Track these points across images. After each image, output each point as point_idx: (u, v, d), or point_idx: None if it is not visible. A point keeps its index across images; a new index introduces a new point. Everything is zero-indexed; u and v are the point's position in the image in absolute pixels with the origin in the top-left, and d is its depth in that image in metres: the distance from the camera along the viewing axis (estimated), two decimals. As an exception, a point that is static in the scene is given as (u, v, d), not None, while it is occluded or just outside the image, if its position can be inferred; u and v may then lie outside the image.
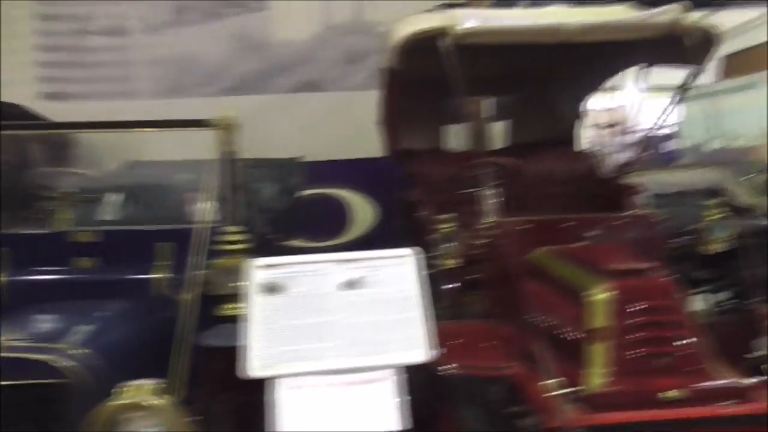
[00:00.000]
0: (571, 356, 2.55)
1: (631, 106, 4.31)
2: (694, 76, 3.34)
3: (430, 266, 3.59)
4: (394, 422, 1.86)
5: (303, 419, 1.83)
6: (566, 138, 4.76)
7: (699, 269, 4.49)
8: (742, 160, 12.23)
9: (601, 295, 2.48)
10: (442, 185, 4.31)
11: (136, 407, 1.96)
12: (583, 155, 4.54)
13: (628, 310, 2.42)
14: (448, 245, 3.03)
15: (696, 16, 3.15)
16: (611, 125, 4.22)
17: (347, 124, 5.77)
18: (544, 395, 2.28)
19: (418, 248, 3.76)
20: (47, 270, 2.86)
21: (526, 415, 2.43)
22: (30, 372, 2.08)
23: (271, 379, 1.86)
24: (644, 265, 2.61)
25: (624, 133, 4.48)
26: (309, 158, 5.27)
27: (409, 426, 1.85)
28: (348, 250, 3.36)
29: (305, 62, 5.65)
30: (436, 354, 2.27)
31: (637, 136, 4.83)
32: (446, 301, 3.43)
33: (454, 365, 2.32)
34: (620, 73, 4.20)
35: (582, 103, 4.76)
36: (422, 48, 2.97)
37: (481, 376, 2.53)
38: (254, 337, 1.89)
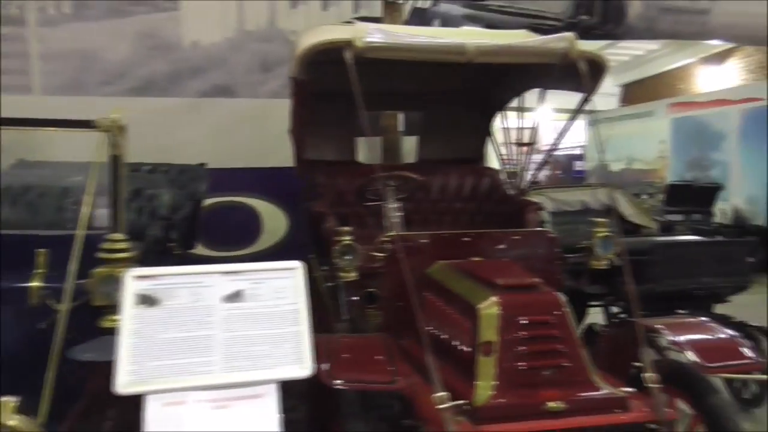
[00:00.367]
0: (462, 369, 2.59)
1: (544, 127, 4.47)
2: (585, 101, 3.50)
3: (331, 279, 3.58)
4: (273, 435, 1.82)
5: (175, 437, 1.76)
6: (473, 155, 4.87)
7: (593, 284, 4.72)
8: (641, 181, 13.07)
9: (488, 309, 2.53)
10: (346, 197, 4.31)
11: (-5, 426, 1.83)
12: (489, 172, 4.66)
13: (514, 324, 2.49)
14: (347, 258, 3.02)
15: (585, 45, 3.31)
16: (523, 144, 4.34)
17: (259, 131, 5.68)
18: (432, 408, 2.29)
19: (314, 259, 3.77)
20: None
21: (416, 429, 2.45)
22: None
23: (142, 395, 1.78)
24: (531, 281, 2.69)
25: (535, 152, 4.62)
26: (218, 165, 5.15)
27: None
28: (257, 260, 3.30)
29: (217, 66, 5.53)
30: (316, 369, 2.26)
31: (546, 156, 5.00)
32: (346, 314, 3.42)
33: (346, 379, 2.30)
34: (523, 95, 4.34)
35: (489, 122, 4.89)
36: (328, 60, 2.96)
37: (373, 390, 2.53)
38: (125, 352, 1.80)
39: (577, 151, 19.43)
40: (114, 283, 2.19)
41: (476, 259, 3.23)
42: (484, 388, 2.42)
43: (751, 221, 11.16)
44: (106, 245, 2.30)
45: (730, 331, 2.77)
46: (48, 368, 2.13)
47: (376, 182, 3.94)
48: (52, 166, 3.74)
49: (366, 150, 5.06)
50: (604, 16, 6.39)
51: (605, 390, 2.47)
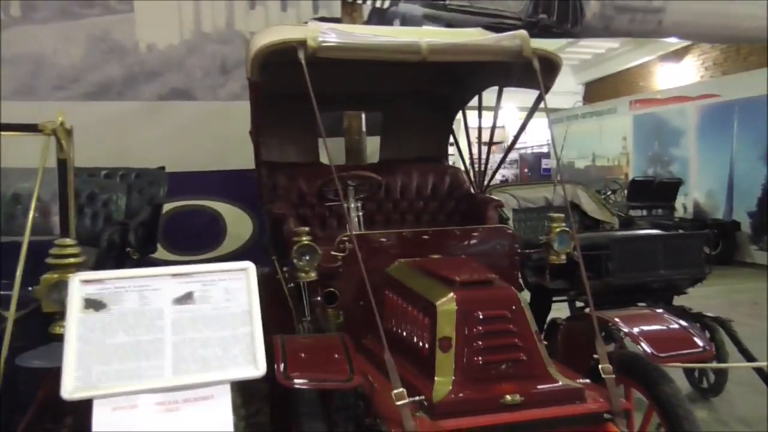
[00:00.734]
0: (422, 366, 2.60)
1: (509, 126, 4.53)
2: (539, 99, 3.55)
3: (292, 279, 3.56)
4: (226, 438, 1.81)
5: (124, 443, 1.73)
6: (436, 154, 4.89)
7: (556, 280, 4.79)
8: (605, 178, 13.30)
9: (446, 305, 2.55)
10: (308, 199, 4.31)
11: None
12: (450, 170, 4.69)
13: (471, 320, 2.51)
14: (305, 258, 3.01)
15: (544, 44, 3.35)
16: (488, 143, 4.39)
17: (220, 134, 5.64)
18: (391, 405, 2.30)
19: (276, 260, 3.74)
20: None
21: (376, 426, 2.46)
22: None
23: (90, 400, 1.75)
24: (488, 276, 2.72)
25: (499, 151, 4.68)
26: (180, 169, 5.09)
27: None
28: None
29: (174, 69, 5.46)
30: (275, 370, 2.25)
31: (506, 153, 5.06)
32: (308, 315, 3.41)
33: (303, 378, 2.30)
34: (482, 94, 4.38)
35: (450, 121, 4.93)
36: (286, 60, 2.95)
37: (329, 388, 2.52)
38: (71, 357, 1.76)
39: (545, 150, 19.73)
40: (63, 289, 2.14)
41: (435, 256, 3.26)
42: (443, 384, 2.44)
43: (711, 215, 11.45)
44: (55, 251, 2.25)
45: (683, 322, 2.83)
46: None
47: (335, 182, 3.94)
48: (2, 173, 3.65)
49: (329, 151, 5.05)
50: (562, 15, 6.48)
51: (562, 382, 2.51)
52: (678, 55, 13.20)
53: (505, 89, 4.10)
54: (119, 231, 3.39)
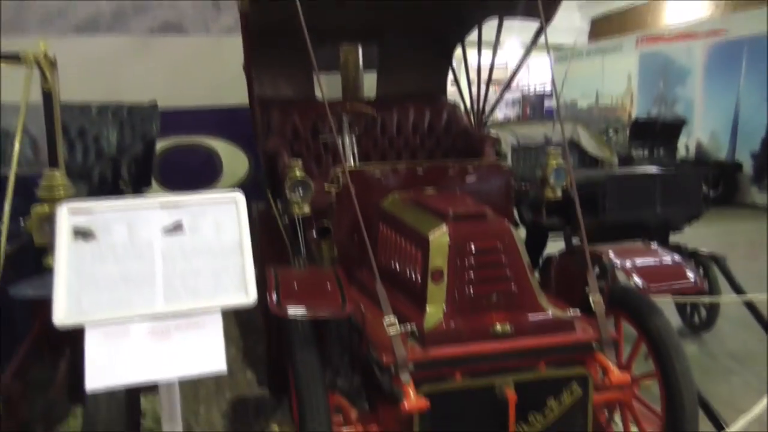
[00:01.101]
0: (414, 298, 2.63)
1: (512, 63, 4.44)
2: (540, 30, 3.46)
3: (287, 214, 3.57)
4: (218, 364, 1.84)
5: (117, 369, 1.76)
6: (434, 90, 4.82)
7: (552, 217, 4.80)
8: (608, 118, 13.15)
9: (438, 237, 2.56)
10: (302, 135, 4.27)
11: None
12: (448, 107, 4.62)
13: (463, 252, 2.52)
14: (298, 192, 2.99)
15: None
16: (488, 80, 4.31)
17: (214, 69, 5.54)
18: (382, 333, 2.34)
19: (271, 196, 3.74)
20: None
21: (367, 354, 2.50)
22: None
23: (82, 327, 1.77)
24: (481, 209, 2.72)
25: (503, 88, 4.59)
26: (174, 105, 5.03)
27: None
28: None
29: (165, 2, 5.31)
30: (268, 300, 2.28)
31: (504, 89, 4.97)
32: (301, 250, 3.43)
33: (298, 308, 2.33)
34: (481, 26, 4.28)
35: (449, 55, 4.83)
36: None
37: (322, 317, 2.56)
38: (62, 285, 1.77)
39: (548, 89, 19.46)
40: (54, 221, 2.14)
41: (429, 190, 3.25)
42: (434, 314, 2.47)
43: (713, 156, 11.37)
44: (45, 183, 2.24)
45: (675, 256, 2.84)
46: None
47: (329, 117, 3.89)
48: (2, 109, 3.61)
49: (321, 86, 4.97)
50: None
51: (552, 313, 2.54)
52: (687, -10, 12.84)
53: (509, 24, 4.00)
54: (111, 166, 3.36)
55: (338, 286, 2.46)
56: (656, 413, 2.68)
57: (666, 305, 2.77)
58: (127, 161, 3.50)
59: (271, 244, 3.70)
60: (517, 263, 2.58)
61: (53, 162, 2.30)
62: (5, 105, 3.78)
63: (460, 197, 3.09)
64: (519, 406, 2.32)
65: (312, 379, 2.29)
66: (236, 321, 4.71)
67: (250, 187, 5.72)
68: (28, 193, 2.35)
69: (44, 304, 2.02)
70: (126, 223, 1.90)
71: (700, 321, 4.87)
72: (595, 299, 2.57)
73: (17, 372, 2.46)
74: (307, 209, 3.03)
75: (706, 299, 4.47)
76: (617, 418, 3.03)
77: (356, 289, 2.90)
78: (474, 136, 4.35)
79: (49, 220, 2.26)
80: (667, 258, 2.84)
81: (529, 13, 3.40)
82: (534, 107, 19.82)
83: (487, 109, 4.52)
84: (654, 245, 3.00)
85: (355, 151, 3.79)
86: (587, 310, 2.69)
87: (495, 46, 4.18)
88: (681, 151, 11.25)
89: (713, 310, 4.74)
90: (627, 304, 2.79)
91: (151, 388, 2.67)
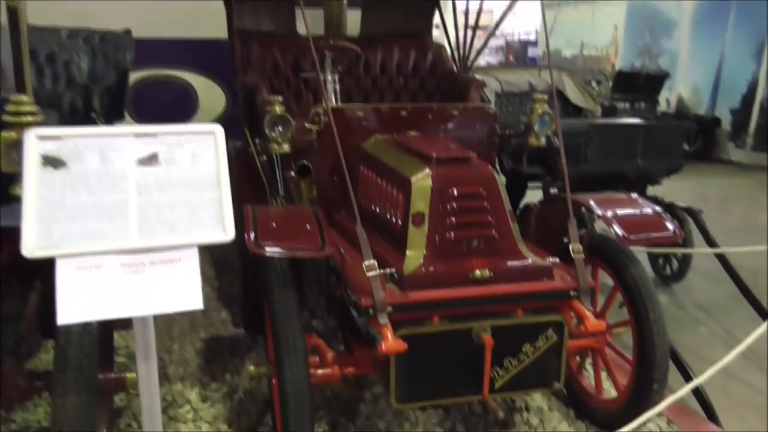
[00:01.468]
0: (394, 242, 2.60)
1: (499, 9, 4.30)
2: None
3: (265, 152, 3.48)
4: (194, 301, 1.80)
5: (90, 303, 1.71)
6: (418, 29, 4.68)
7: (532, 165, 4.78)
8: (591, 68, 13.03)
9: (421, 180, 2.51)
10: (282, 70, 4.13)
11: None
12: (433, 47, 4.50)
13: (445, 196, 2.48)
14: (278, 129, 2.91)
15: None
16: (475, 26, 4.18)
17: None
18: (361, 276, 2.31)
19: (249, 133, 3.64)
20: None
21: (345, 296, 2.48)
22: None
23: (53, 258, 1.70)
24: (464, 154, 2.67)
25: (489, 33, 4.47)
26: (147, 35, 4.82)
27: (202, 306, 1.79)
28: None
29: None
30: (245, 238, 2.22)
31: (490, 33, 4.85)
32: (279, 189, 3.37)
33: (277, 247, 2.28)
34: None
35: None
36: None
37: (301, 257, 2.52)
38: (31, 215, 1.70)
39: (532, 38, 19.20)
40: (21, 147, 2.04)
41: (412, 133, 3.18)
42: (414, 258, 2.44)
43: (693, 111, 11.40)
44: (11, 108, 2.12)
45: (656, 207, 2.84)
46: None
47: (312, 53, 3.76)
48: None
49: (306, 19, 4.80)
50: None
51: (531, 260, 2.53)
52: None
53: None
54: (82, 95, 3.21)
55: (318, 227, 2.41)
56: (628, 360, 2.73)
57: (638, 255, 2.78)
58: (99, 91, 3.35)
59: (248, 183, 3.62)
60: (499, 210, 2.56)
61: (20, 87, 2.17)
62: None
63: (444, 140, 3.03)
64: (495, 350, 2.33)
65: (289, 319, 2.27)
66: (211, 260, 4.67)
67: (227, 125, 5.49)
68: None
69: (12, 234, 1.94)
70: (98, 151, 1.82)
71: (672, 272, 4.96)
72: (575, 248, 2.57)
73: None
74: (286, 147, 2.95)
75: (681, 251, 4.53)
76: (588, 365, 3.10)
77: (335, 231, 2.86)
78: (459, 79, 4.26)
79: (17, 147, 2.15)
80: (647, 209, 2.84)
81: None
82: (518, 55, 19.60)
83: (473, 53, 4.41)
84: (634, 196, 2.99)
85: (338, 89, 3.68)
86: (565, 258, 2.71)
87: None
88: (662, 105, 11.24)
89: (685, 262, 4.82)
90: (604, 253, 2.80)
91: (125, 324, 2.63)
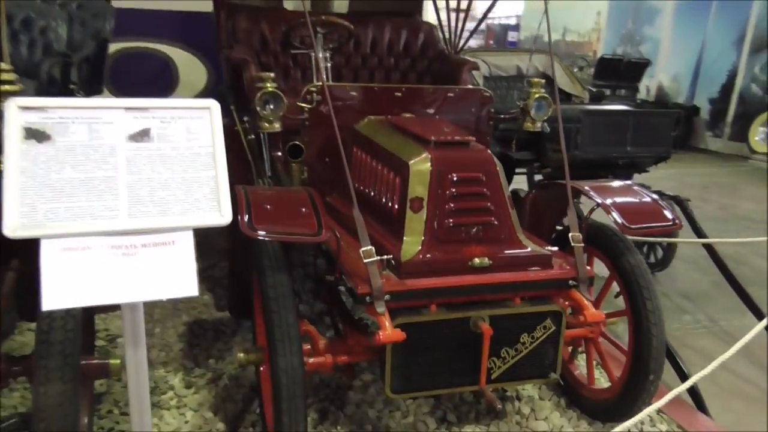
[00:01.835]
0: (390, 227, 2.52)
1: None
2: None
3: (253, 131, 3.36)
4: (189, 287, 1.70)
5: (77, 287, 1.60)
6: (408, 8, 4.58)
7: (521, 150, 4.72)
8: (573, 53, 13.02)
9: (420, 164, 2.43)
10: (270, 46, 4.00)
11: None
12: (425, 27, 4.40)
13: (445, 181, 2.40)
14: (270, 107, 2.79)
15: None
16: (457, 9, 4.09)
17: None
18: (357, 262, 2.23)
19: (235, 110, 3.52)
20: None
21: (337, 283, 2.40)
22: None
23: (36, 239, 1.59)
24: (464, 138, 2.59)
25: (473, 19, 4.38)
26: (124, 5, 4.62)
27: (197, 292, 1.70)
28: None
29: None
30: (239, 221, 2.12)
31: (484, 16, 4.73)
32: (269, 169, 3.26)
33: (269, 230, 2.17)
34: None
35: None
36: None
37: (297, 241, 2.43)
38: (13, 191, 1.58)
39: (512, 21, 19.13)
40: (1, 118, 1.91)
41: (407, 115, 3.09)
42: (411, 244, 2.37)
43: (673, 99, 11.47)
44: (-15, 74, 1.97)
45: (653, 195, 2.79)
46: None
47: (304, 29, 3.64)
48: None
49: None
50: None
51: (530, 248, 2.47)
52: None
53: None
54: (60, 64, 3.04)
55: (314, 210, 2.31)
56: (623, 350, 2.70)
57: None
58: (78, 60, 3.18)
59: (233, 162, 3.49)
60: (499, 196, 2.49)
61: (-2, 53, 2.03)
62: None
63: (441, 123, 2.95)
64: (492, 340, 2.28)
65: (284, 305, 2.18)
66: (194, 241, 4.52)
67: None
68: None
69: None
70: (86, 125, 1.70)
71: (656, 260, 4.97)
72: (575, 237, 2.52)
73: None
74: (278, 126, 2.84)
75: (681, 241, 4.52)
76: (580, 354, 3.07)
77: (327, 215, 2.77)
78: (451, 60, 4.18)
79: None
80: (645, 197, 2.79)
81: None
82: (498, 38, 19.51)
83: (464, 35, 4.33)
84: (631, 183, 2.95)
85: (329, 67, 3.57)
86: (558, 245, 2.66)
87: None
88: (642, 92, 11.30)
89: (670, 250, 4.83)
90: (601, 242, 2.76)
91: (107, 308, 2.51)
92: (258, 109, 2.77)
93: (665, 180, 6.72)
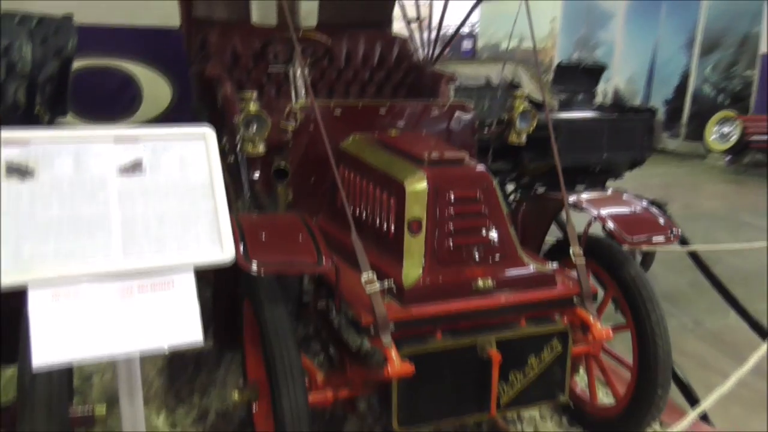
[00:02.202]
0: (385, 249, 2.42)
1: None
2: None
3: (230, 152, 3.22)
4: (193, 334, 1.56)
5: (69, 340, 1.45)
6: (378, 20, 4.49)
7: (498, 161, 4.68)
8: (530, 60, 13.16)
9: (416, 184, 2.34)
10: (242, 62, 3.86)
11: None
12: (398, 40, 4.32)
13: (443, 200, 2.32)
14: (252, 128, 2.66)
15: None
16: (416, 19, 4.04)
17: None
18: (358, 290, 2.12)
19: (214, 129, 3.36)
20: None
21: (342, 312, 2.29)
22: None
23: (22, 286, 1.43)
24: (458, 154, 2.51)
25: (428, 28, 4.32)
26: (85, 21, 4.41)
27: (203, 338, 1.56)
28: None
29: None
30: (235, 252, 1.98)
31: (440, 31, 4.65)
32: (252, 191, 3.12)
33: (267, 261, 2.04)
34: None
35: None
36: None
37: (300, 272, 2.31)
38: (-5, 235, 1.42)
39: (465, 30, 19.26)
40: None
41: (393, 131, 3.00)
42: (412, 268, 2.27)
43: (630, 101, 11.69)
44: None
45: (649, 206, 2.76)
46: None
47: (282, 44, 3.52)
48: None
49: (257, 11, 4.53)
50: None
51: (533, 266, 2.41)
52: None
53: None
54: (25, 86, 2.84)
55: (311, 236, 2.19)
56: (626, 365, 2.65)
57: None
58: (43, 82, 2.99)
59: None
60: (498, 213, 2.42)
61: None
62: None
63: (430, 140, 2.87)
64: (501, 365, 2.20)
65: (284, 340, 2.05)
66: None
67: (175, 118, 5.21)
68: None
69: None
70: (72, 157, 1.56)
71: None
72: (576, 252, 2.46)
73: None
74: (262, 148, 2.72)
75: (678, 249, 4.52)
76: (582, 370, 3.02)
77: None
78: (426, 72, 4.11)
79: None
80: (639, 207, 2.76)
81: None
82: (453, 47, 19.61)
83: (438, 47, 4.28)
84: (626, 194, 2.92)
85: (308, 84, 3.44)
86: (551, 258, 2.62)
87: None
88: (599, 96, 11.48)
89: (650, 254, 4.85)
90: (598, 254, 2.71)
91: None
92: (241, 130, 2.65)
93: (628, 182, 6.81)
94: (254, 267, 1.97)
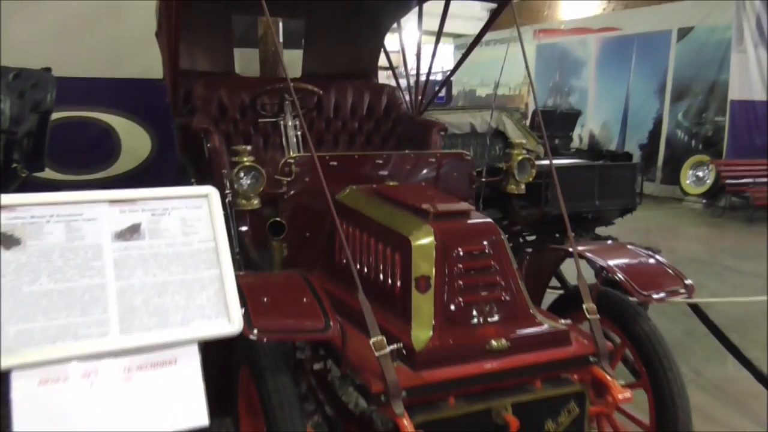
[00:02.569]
0: (390, 308, 2.29)
1: (410, 49, 4.18)
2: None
3: (222, 207, 3.08)
4: (198, 416, 1.40)
5: (56, 429, 1.28)
6: (363, 69, 4.47)
7: (489, 209, 4.61)
8: (506, 107, 13.37)
9: (422, 239, 2.23)
10: (229, 113, 3.76)
11: None
12: (387, 89, 4.29)
13: (451, 256, 2.21)
14: (245, 182, 2.55)
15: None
16: (431, 65, 4.04)
17: (113, 35, 4.85)
18: (365, 354, 1.97)
19: (195, 184, 3.24)
20: None
21: (349, 380, 2.13)
22: None
23: (7, 371, 1.27)
24: (464, 207, 2.42)
25: (402, 75, 4.31)
26: (64, 73, 4.30)
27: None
28: (117, 185, 2.71)
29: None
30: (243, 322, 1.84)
31: (415, 78, 4.62)
32: (245, 249, 2.97)
33: (275, 329, 1.89)
34: (421, 7, 3.99)
35: (381, 34, 4.49)
36: None
37: (307, 339, 2.16)
38: (-24, 314, 1.27)
39: (439, 77, 19.58)
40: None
41: (392, 183, 2.91)
42: (422, 329, 2.14)
43: (605, 146, 11.87)
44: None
45: (658, 257, 2.69)
46: None
47: (270, 95, 3.44)
48: None
49: (239, 62, 4.48)
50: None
51: (546, 325, 2.29)
52: (583, -14, 13.28)
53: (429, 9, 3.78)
54: (4, 142, 2.71)
55: (315, 298, 2.05)
56: (642, 425, 2.53)
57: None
58: (21, 137, 2.85)
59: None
60: (508, 268, 2.31)
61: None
62: None
63: (433, 192, 2.78)
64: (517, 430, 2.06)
65: (290, 414, 1.89)
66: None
67: (155, 171, 5.08)
68: None
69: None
70: (64, 224, 1.41)
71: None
72: (590, 308, 2.35)
73: None
74: (257, 202, 2.60)
75: (689, 301, 4.45)
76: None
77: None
78: (416, 121, 4.06)
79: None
80: (650, 260, 2.69)
81: None
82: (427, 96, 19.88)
83: (427, 96, 4.27)
84: (632, 246, 2.85)
85: (299, 135, 3.36)
86: (557, 311, 2.53)
87: (440, 29, 3.89)
88: (575, 141, 11.66)
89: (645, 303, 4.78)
90: (609, 309, 2.60)
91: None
92: (235, 184, 2.53)
93: (611, 227, 6.82)
94: (257, 334, 1.82)
